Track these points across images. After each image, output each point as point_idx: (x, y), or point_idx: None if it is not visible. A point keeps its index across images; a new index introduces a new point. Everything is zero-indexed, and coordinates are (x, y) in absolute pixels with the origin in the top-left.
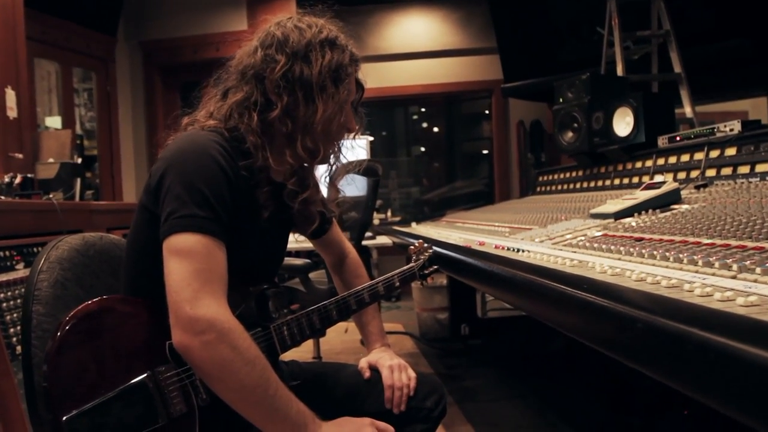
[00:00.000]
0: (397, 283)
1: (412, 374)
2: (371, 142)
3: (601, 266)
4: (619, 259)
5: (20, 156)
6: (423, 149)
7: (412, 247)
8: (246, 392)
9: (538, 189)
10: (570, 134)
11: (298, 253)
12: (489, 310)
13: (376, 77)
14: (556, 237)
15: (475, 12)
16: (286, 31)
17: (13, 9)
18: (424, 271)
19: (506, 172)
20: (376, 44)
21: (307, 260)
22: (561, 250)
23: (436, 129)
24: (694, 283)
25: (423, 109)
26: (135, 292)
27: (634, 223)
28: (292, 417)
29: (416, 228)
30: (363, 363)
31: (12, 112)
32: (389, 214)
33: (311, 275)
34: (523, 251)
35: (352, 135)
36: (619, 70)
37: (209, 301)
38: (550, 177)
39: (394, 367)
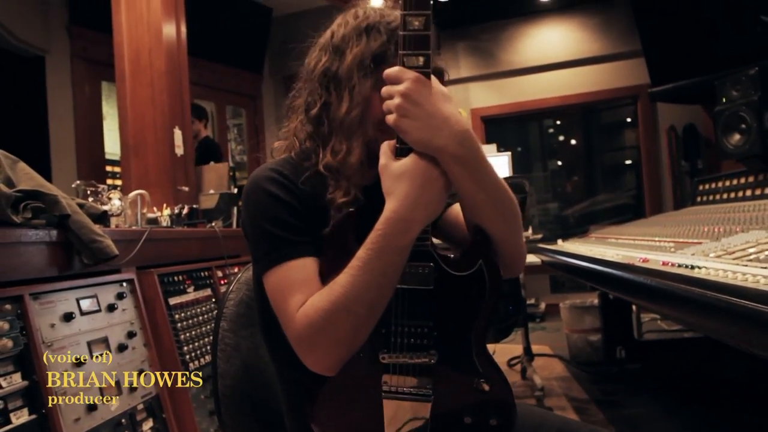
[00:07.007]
0: None
1: None
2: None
3: None
4: None
5: (186, 189)
6: (560, 163)
7: None
8: (357, 316)
9: (698, 199)
10: (737, 137)
11: None
12: (646, 331)
13: (510, 92)
14: (736, 251)
15: (615, 15)
16: (339, 25)
17: (178, 59)
18: None
19: (657, 182)
20: (509, 59)
21: None
22: (746, 266)
23: (573, 141)
24: None
25: (558, 122)
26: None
27: None
28: (379, 259)
29: (563, 245)
30: None
31: (179, 150)
32: (530, 231)
33: None
34: (699, 268)
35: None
36: None
37: (290, 321)
38: (713, 185)
39: None
